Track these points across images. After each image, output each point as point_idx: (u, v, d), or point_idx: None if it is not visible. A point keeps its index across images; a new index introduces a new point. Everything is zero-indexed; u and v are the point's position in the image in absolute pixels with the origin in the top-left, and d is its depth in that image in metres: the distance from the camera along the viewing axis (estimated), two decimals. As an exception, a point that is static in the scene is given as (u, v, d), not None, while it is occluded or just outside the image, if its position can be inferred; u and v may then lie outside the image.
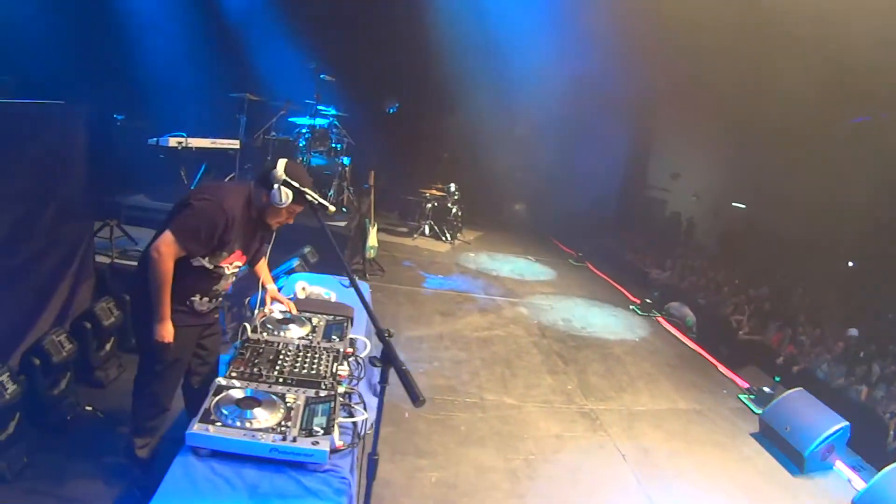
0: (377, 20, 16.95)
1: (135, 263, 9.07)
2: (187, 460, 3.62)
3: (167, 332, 4.71)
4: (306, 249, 9.83)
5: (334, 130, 13.99)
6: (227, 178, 11.79)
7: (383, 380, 3.59)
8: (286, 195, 4.66)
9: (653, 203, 23.25)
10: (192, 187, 10.62)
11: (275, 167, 4.73)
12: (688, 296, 15.04)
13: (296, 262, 9.12)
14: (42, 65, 9.35)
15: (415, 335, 8.97)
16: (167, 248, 4.50)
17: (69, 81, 9.24)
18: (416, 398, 3.29)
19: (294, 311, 5.68)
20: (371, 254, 12.29)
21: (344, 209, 13.82)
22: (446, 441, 7.15)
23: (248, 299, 8.05)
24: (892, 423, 9.64)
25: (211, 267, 4.77)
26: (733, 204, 19.88)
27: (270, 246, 5.34)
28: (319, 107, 13.73)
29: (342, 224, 12.50)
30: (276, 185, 4.66)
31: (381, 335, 3.61)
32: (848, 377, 11.17)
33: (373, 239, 12.34)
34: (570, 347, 11.06)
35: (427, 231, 16.92)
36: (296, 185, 4.68)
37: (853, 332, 12.63)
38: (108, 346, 7.19)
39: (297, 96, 13.76)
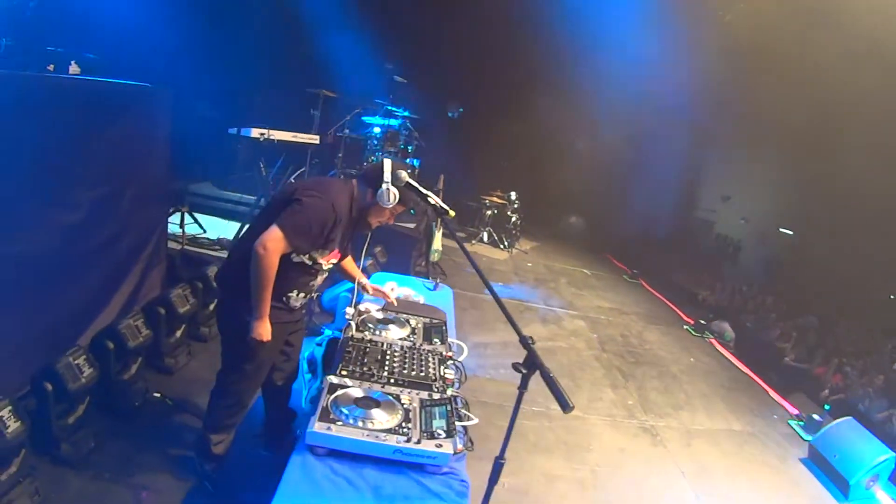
0: (452, 24, 17.04)
1: (204, 251, 9.25)
2: (305, 460, 3.70)
3: (266, 330, 4.65)
4: (377, 249, 9.97)
5: (405, 132, 14.12)
6: (297, 173, 11.89)
7: (523, 386, 3.61)
8: (393, 195, 4.62)
9: (701, 224, 23.18)
10: (271, 179, 10.73)
11: (381, 166, 4.66)
12: (736, 319, 15.09)
13: (368, 262, 9.25)
14: (126, 46, 9.30)
15: (480, 341, 9.08)
16: (275, 244, 4.40)
17: (153, 64, 9.35)
18: (565, 405, 3.28)
19: (395, 304, 5.77)
20: (435, 257, 12.33)
21: (412, 211, 13.92)
22: (517, 448, 7.27)
23: (318, 294, 8.21)
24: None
25: (310, 263, 4.72)
26: (781, 230, 19.81)
27: (367, 243, 5.36)
28: (390, 107, 13.87)
29: (411, 226, 12.58)
30: (384, 185, 4.61)
31: (525, 342, 3.63)
32: (892, 412, 11.21)
33: (437, 242, 12.39)
34: (629, 363, 11.17)
35: (486, 238, 16.96)
36: (419, 187, 4.64)
37: (900, 366, 12.66)
38: (178, 334, 7.19)
39: (370, 95, 13.90)
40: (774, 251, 19.75)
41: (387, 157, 4.88)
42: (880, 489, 8.83)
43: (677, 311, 15.78)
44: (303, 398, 5.77)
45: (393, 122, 13.83)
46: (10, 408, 4.47)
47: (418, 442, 3.78)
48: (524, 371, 3.57)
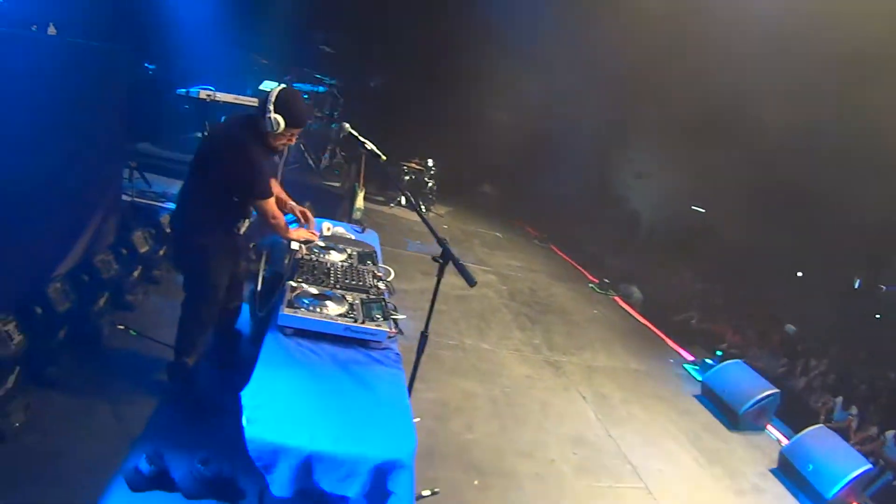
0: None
1: (153, 203, 9.86)
2: (276, 337, 4.66)
3: (300, 233, 5.96)
4: (306, 204, 10.68)
5: (330, 98, 14.79)
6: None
7: (440, 273, 4.72)
8: (275, 122, 5.11)
9: (614, 199, 23.85)
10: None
11: (266, 95, 5.16)
12: (643, 283, 16.05)
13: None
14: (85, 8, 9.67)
15: (400, 288, 9.91)
16: (272, 209, 5.45)
17: (107, 27, 9.83)
18: (471, 280, 4.39)
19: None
20: (357, 215, 13.13)
21: (336, 171, 14.75)
22: (436, 370, 8.24)
23: (253, 244, 8.95)
24: (822, 410, 10.95)
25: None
26: (693, 207, 20.69)
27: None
28: (317, 75, 14.63)
29: (337, 185, 13.48)
30: (267, 115, 5.08)
31: (440, 241, 4.76)
32: (789, 370, 12.37)
33: (360, 202, 13.26)
34: (536, 311, 12.05)
35: (403, 202, 17.14)
36: (357, 135, 5.65)
37: (790, 328, 13.82)
38: (136, 274, 7.77)
39: (299, 63, 14.57)
40: (686, 226, 20.64)
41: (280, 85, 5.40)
42: (770, 423, 10.11)
43: (584, 272, 16.72)
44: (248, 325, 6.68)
45: (320, 88, 14.55)
46: (14, 322, 5.05)
47: (363, 322, 4.81)
48: (441, 261, 4.71)
